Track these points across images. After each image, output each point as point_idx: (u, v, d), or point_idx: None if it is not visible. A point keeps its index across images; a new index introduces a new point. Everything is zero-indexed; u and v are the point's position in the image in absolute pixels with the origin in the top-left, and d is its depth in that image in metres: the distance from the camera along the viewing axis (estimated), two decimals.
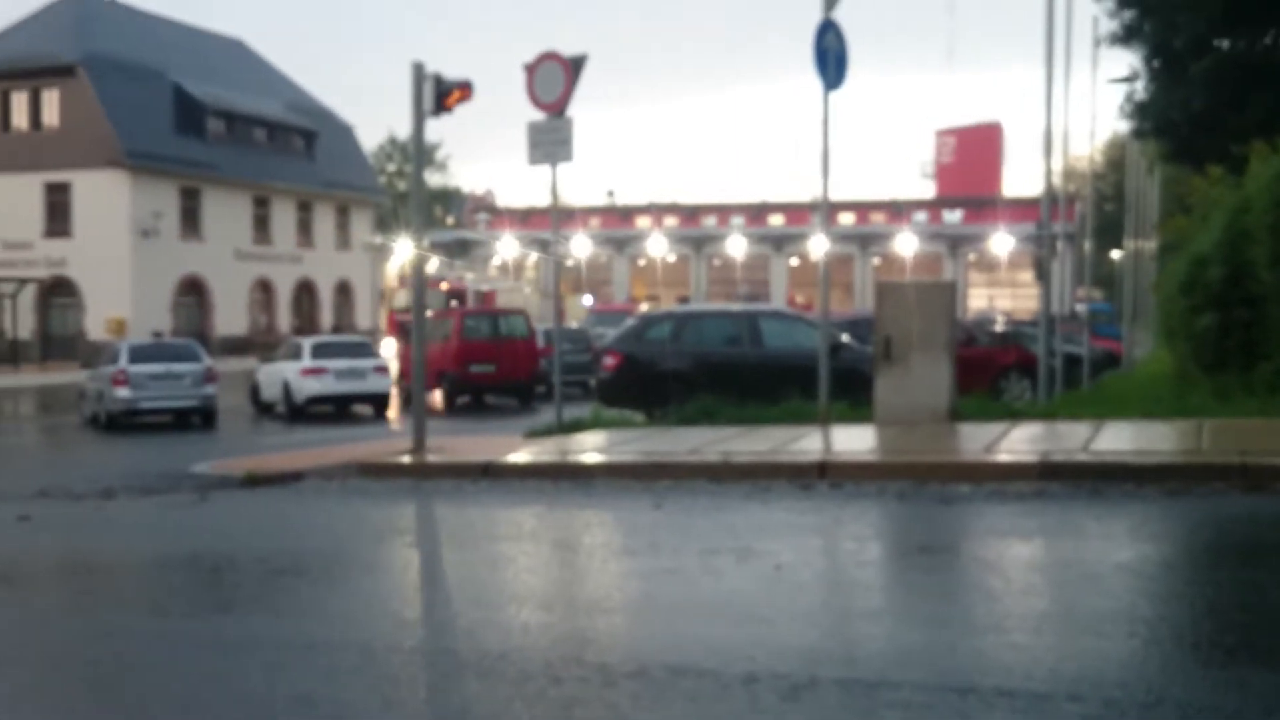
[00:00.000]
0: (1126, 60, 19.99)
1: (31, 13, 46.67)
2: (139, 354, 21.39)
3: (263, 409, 23.75)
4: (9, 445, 19.95)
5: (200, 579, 7.43)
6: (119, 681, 5.22)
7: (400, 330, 36.03)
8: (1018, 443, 10.56)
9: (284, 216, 51.16)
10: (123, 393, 20.73)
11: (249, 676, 5.05)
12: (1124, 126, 27.39)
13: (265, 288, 50.39)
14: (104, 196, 42.76)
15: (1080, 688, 4.37)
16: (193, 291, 46.44)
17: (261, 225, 49.95)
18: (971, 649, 4.97)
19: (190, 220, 45.97)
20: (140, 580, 7.75)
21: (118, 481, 12.63)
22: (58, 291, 43.65)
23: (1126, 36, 19.70)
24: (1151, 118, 20.13)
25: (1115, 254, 48.67)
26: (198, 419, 21.28)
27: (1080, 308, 29.56)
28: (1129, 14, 18.97)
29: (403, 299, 39.34)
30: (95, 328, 42.16)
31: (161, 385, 21.03)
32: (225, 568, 7.69)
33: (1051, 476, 9.00)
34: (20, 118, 44.74)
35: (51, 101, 44.04)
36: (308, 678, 4.96)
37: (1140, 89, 20.91)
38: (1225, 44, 18.41)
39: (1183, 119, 19.22)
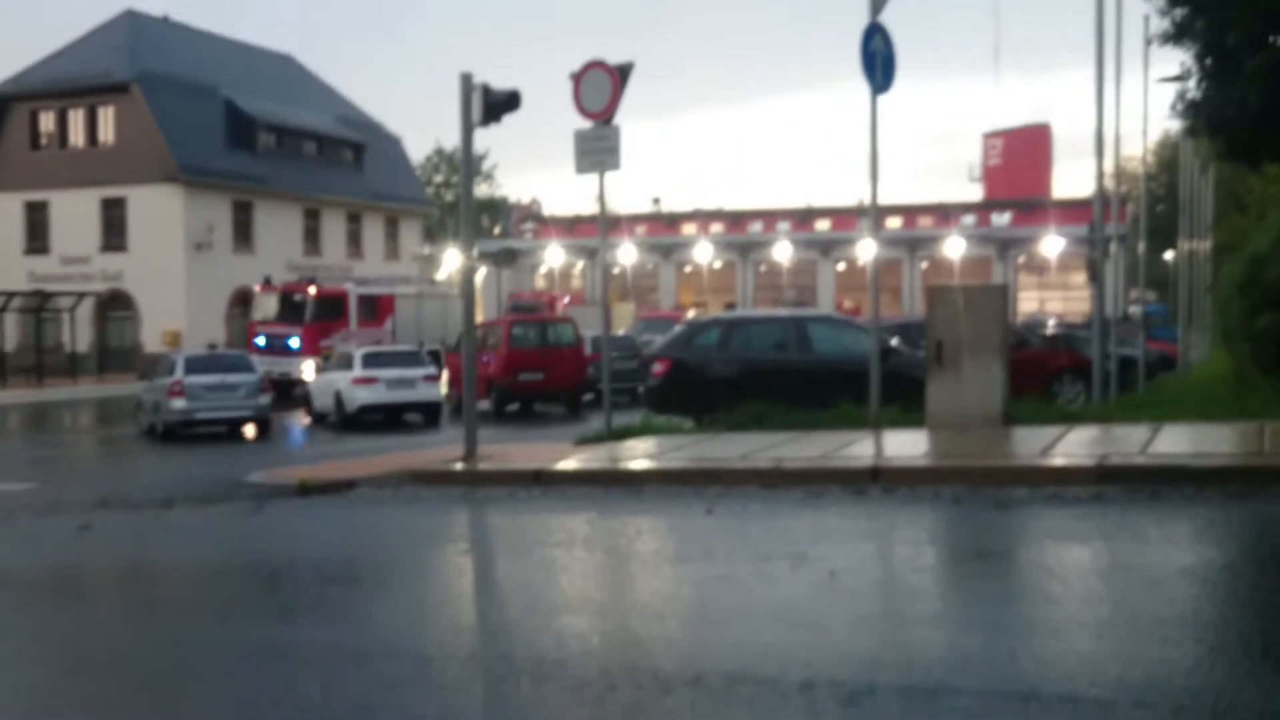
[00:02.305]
0: (1178, 59, 19.66)
1: (87, 32, 47.53)
2: (194, 365, 21.70)
3: (316, 418, 24.00)
4: (69, 456, 20.31)
5: (258, 587, 7.51)
6: (181, 690, 5.29)
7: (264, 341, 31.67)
8: (1074, 446, 10.43)
9: (334, 228, 51.69)
10: (178, 404, 21.04)
11: (308, 684, 5.10)
12: (1176, 126, 27.01)
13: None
14: (159, 211, 43.44)
15: (1147, 695, 4.30)
16: (246, 303, 46.98)
17: (312, 237, 50.50)
18: (1032, 655, 4.90)
19: (242, 233, 46.57)
20: (200, 589, 7.85)
21: (176, 491, 12.80)
22: (114, 304, 44.38)
23: (1178, 35, 19.38)
24: (1205, 116, 19.78)
25: (1169, 255, 47.96)
26: (252, 429, 21.55)
27: (1134, 310, 29.17)
28: (1180, 11, 18.67)
29: (266, 308, 33.14)
30: (151, 340, 42.79)
31: (216, 396, 21.32)
32: (282, 576, 7.77)
33: (1109, 480, 8.87)
34: (77, 135, 45.57)
35: (107, 119, 44.83)
36: (365, 685, 5.00)
37: (1193, 87, 20.57)
38: None
39: (1238, 117, 18.87)
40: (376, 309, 33.01)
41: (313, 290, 32.52)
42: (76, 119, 45.46)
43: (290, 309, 32.17)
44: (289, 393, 28.81)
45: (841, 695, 4.46)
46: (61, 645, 6.33)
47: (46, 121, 45.95)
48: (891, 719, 4.24)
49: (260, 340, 32.01)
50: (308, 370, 28.77)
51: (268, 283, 34.17)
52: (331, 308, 32.21)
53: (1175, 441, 10.29)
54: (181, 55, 46.33)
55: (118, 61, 44.23)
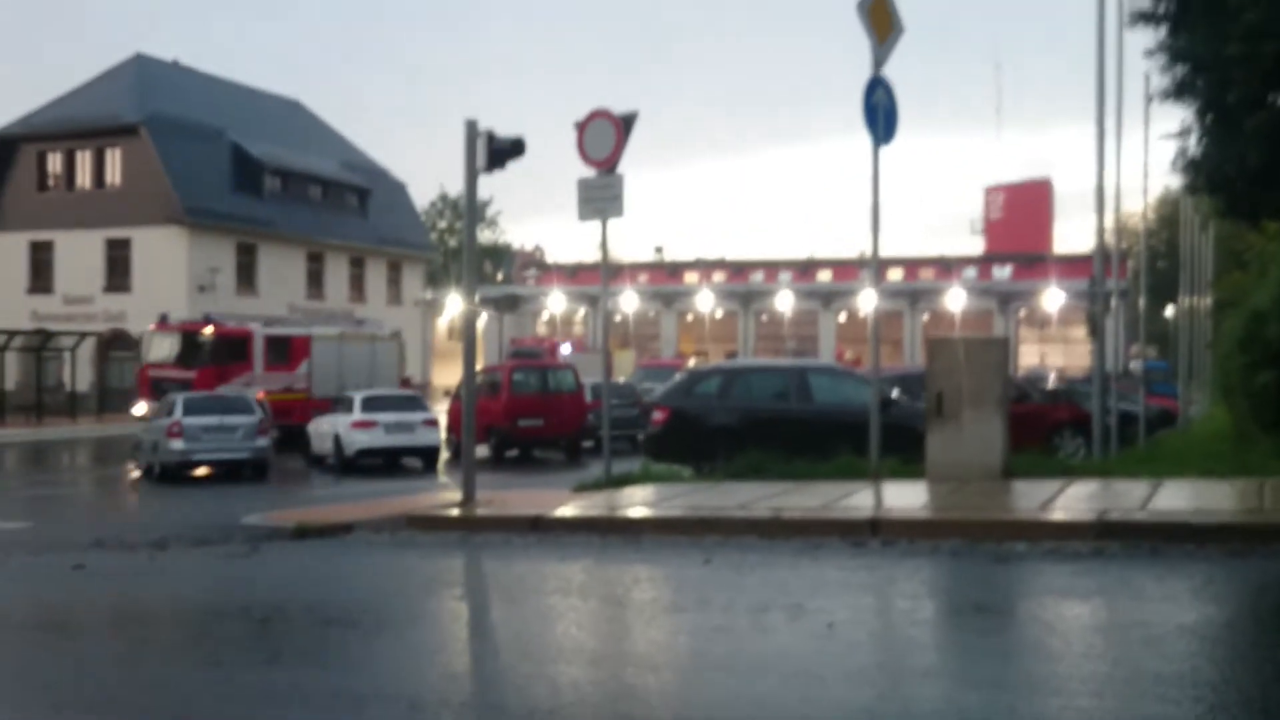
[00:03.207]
0: (1179, 116, 19.82)
1: (96, 75, 48.00)
2: (193, 406, 21.68)
3: (314, 461, 23.94)
4: (66, 495, 20.23)
5: (251, 630, 7.45)
6: None
7: (152, 388, 28.84)
8: (1074, 501, 10.39)
9: (337, 272, 51.89)
10: (177, 444, 20.99)
11: None
12: (1176, 182, 27.16)
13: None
14: (163, 252, 43.64)
15: None
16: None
17: (315, 281, 50.68)
18: (1031, 711, 4.85)
19: (246, 276, 46.75)
20: (192, 630, 7.79)
21: (171, 532, 12.74)
22: (116, 344, 44.44)
23: (1178, 92, 19.54)
24: (1205, 174, 19.88)
25: (1169, 311, 48.09)
26: (250, 471, 21.48)
27: (1135, 365, 29.21)
28: (1181, 69, 18.84)
29: (162, 348, 30.65)
30: None
31: (214, 437, 21.27)
32: (276, 619, 7.71)
33: (1109, 536, 8.82)
34: (84, 176, 45.88)
35: (114, 160, 45.17)
36: None
37: (1193, 144, 20.71)
38: None
39: (1238, 175, 18.97)
40: (289, 352, 30.47)
41: (209, 330, 29.99)
42: (84, 160, 45.80)
43: (188, 350, 29.74)
44: None
45: None
46: (50, 684, 6.26)
47: (54, 162, 46.30)
48: None
49: (154, 385, 28.87)
50: None
51: (164, 321, 31.73)
52: (233, 349, 29.84)
53: (1175, 497, 10.25)
54: (189, 99, 46.76)
55: (126, 104, 44.63)
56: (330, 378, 29.29)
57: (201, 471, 20.91)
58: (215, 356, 29.31)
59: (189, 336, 30.05)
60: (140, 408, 29.20)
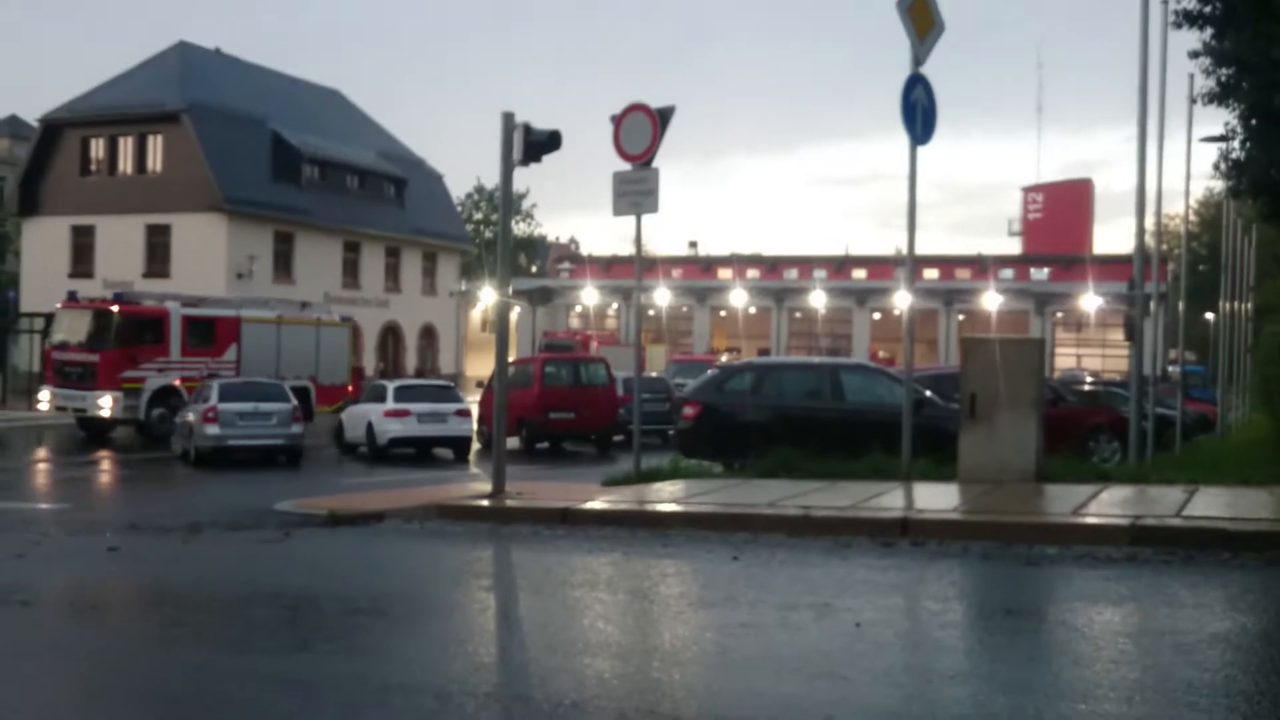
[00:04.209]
0: (1223, 118, 19.58)
1: (139, 63, 48.47)
2: (229, 393, 21.89)
3: (346, 449, 24.11)
4: (102, 479, 20.47)
5: (282, 616, 7.51)
6: (199, 716, 5.28)
7: (56, 372, 26.84)
8: (1108, 506, 10.29)
9: (373, 262, 52.17)
10: (212, 430, 21.21)
11: (326, 716, 5.08)
12: (1219, 185, 26.82)
13: (353, 331, 51.31)
14: (202, 239, 44.04)
15: None
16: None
17: (351, 270, 50.98)
18: (1059, 717, 4.82)
19: (283, 264, 47.09)
20: (223, 615, 7.86)
21: (205, 516, 12.88)
22: None
23: (1223, 94, 19.30)
24: (1249, 176, 19.63)
25: (1209, 316, 47.50)
26: (284, 457, 21.67)
27: (1173, 369, 28.86)
28: (1225, 72, 18.61)
29: (69, 328, 27.32)
30: None
31: (249, 423, 21.48)
32: (306, 606, 7.77)
33: (1143, 541, 8.74)
34: (126, 162, 46.36)
35: (156, 147, 45.60)
36: None
37: (1237, 147, 20.45)
38: None
39: None
40: (214, 334, 27.77)
41: (116, 308, 26.71)
42: (126, 146, 46.26)
43: (96, 331, 26.56)
44: (103, 434, 26.45)
45: None
46: (82, 666, 6.35)
47: (97, 148, 46.80)
48: None
49: (57, 369, 26.79)
50: (105, 406, 25.69)
51: (72, 298, 28.65)
52: (145, 330, 26.76)
53: (1211, 505, 10.13)
54: (231, 87, 47.13)
55: (169, 92, 45.04)
56: (263, 365, 27.58)
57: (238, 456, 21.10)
58: (123, 338, 26.20)
59: (98, 316, 26.80)
60: (44, 395, 27.37)
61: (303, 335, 29.66)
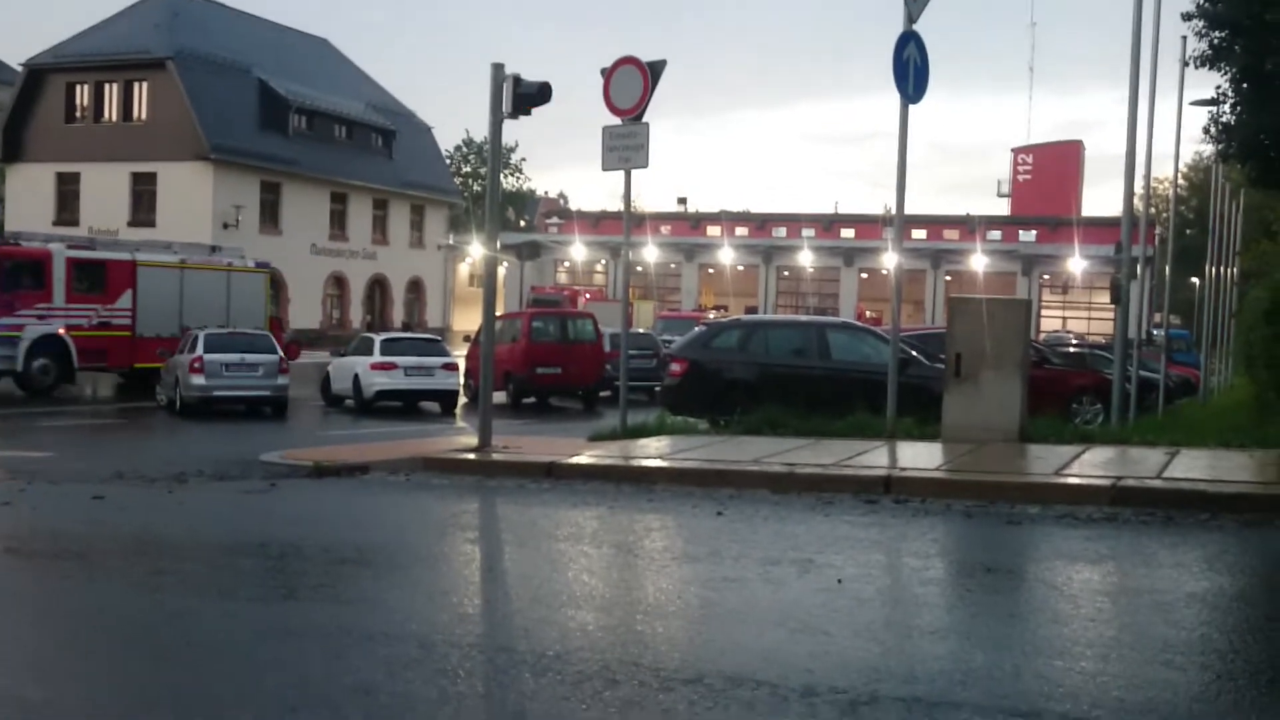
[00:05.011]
0: (1214, 82, 19.53)
1: (125, 8, 47.86)
2: (215, 343, 21.83)
3: (333, 401, 24.10)
4: (88, 428, 20.44)
5: (267, 565, 7.55)
6: (185, 663, 5.31)
7: None
8: (1089, 466, 10.37)
9: (360, 213, 51.89)
10: (197, 380, 21.18)
11: (310, 664, 5.11)
12: (1208, 149, 26.78)
13: (339, 283, 51.16)
14: (188, 188, 43.72)
15: (1149, 719, 4.27)
16: (269, 284, 47.21)
17: (338, 221, 50.72)
18: (1036, 673, 4.88)
19: (269, 214, 46.82)
20: (209, 564, 7.89)
21: (190, 466, 12.89)
22: None
23: (1215, 58, 19.26)
24: (1239, 140, 19.66)
25: (1195, 280, 47.65)
26: (269, 409, 21.66)
27: (1157, 333, 29.02)
28: (1218, 34, 18.55)
29: None
30: None
31: (235, 374, 21.46)
32: (291, 555, 7.80)
33: (1124, 502, 8.82)
34: (111, 109, 45.90)
35: (141, 94, 45.14)
36: (367, 667, 5.01)
37: (1227, 111, 20.44)
38: None
39: (1271, 143, 18.76)
40: (104, 280, 25.79)
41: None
42: (111, 93, 45.78)
43: None
44: None
45: (842, 703, 4.45)
46: (67, 613, 6.37)
47: (82, 94, 46.31)
48: None
49: None
50: None
51: None
52: (23, 275, 24.75)
53: (1192, 467, 10.22)
54: (218, 35, 46.61)
55: (155, 38, 44.53)
56: (164, 313, 26.04)
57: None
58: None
59: None
60: None
61: (211, 282, 27.53)
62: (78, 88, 46.15)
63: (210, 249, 30.12)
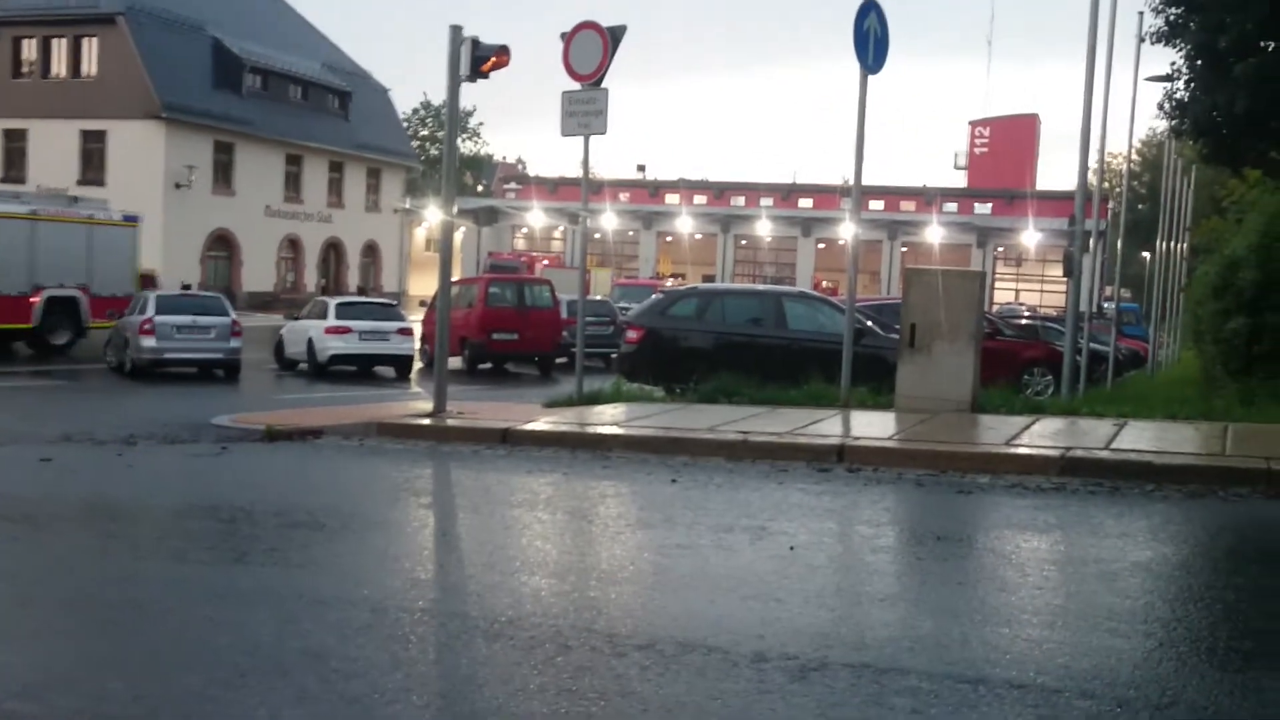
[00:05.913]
0: (1168, 58, 19.70)
1: None
2: (166, 305, 21.53)
3: (286, 365, 23.88)
4: (34, 389, 20.12)
5: (217, 529, 7.48)
6: (133, 626, 5.27)
7: None
8: (1039, 437, 10.50)
9: (315, 176, 51.29)
10: (148, 342, 20.89)
11: (261, 628, 5.08)
12: (1162, 125, 27.05)
13: (294, 245, 50.62)
14: (139, 147, 42.97)
15: (1093, 685, 4.35)
16: (222, 246, 46.68)
17: (293, 183, 50.10)
18: (983, 640, 4.95)
19: (223, 175, 46.15)
20: (158, 527, 7.81)
21: (140, 429, 12.73)
22: None
23: (1171, 34, 19.43)
24: (1192, 117, 19.88)
25: (1146, 254, 48.24)
26: (221, 372, 21.42)
27: (1108, 306, 29.44)
28: (1175, 11, 18.71)
29: None
30: None
31: (187, 337, 21.18)
32: (242, 519, 7.73)
33: (1072, 472, 8.95)
34: (60, 65, 44.95)
35: (91, 50, 44.22)
36: (318, 632, 4.99)
37: (1181, 88, 20.65)
38: (1272, 45, 18.17)
39: (1224, 120, 18.99)
40: None
41: None
42: (60, 48, 44.83)
43: None
44: None
45: (792, 669, 4.49)
46: (13, 576, 6.28)
47: (29, 49, 45.32)
48: (841, 695, 4.27)
49: None
50: None
51: None
52: None
53: (1139, 438, 10.38)
54: None
55: None
56: (13, 269, 23.90)
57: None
58: None
59: None
60: None
61: (69, 235, 25.00)
62: (24, 42, 45.17)
63: (70, 199, 27.34)
